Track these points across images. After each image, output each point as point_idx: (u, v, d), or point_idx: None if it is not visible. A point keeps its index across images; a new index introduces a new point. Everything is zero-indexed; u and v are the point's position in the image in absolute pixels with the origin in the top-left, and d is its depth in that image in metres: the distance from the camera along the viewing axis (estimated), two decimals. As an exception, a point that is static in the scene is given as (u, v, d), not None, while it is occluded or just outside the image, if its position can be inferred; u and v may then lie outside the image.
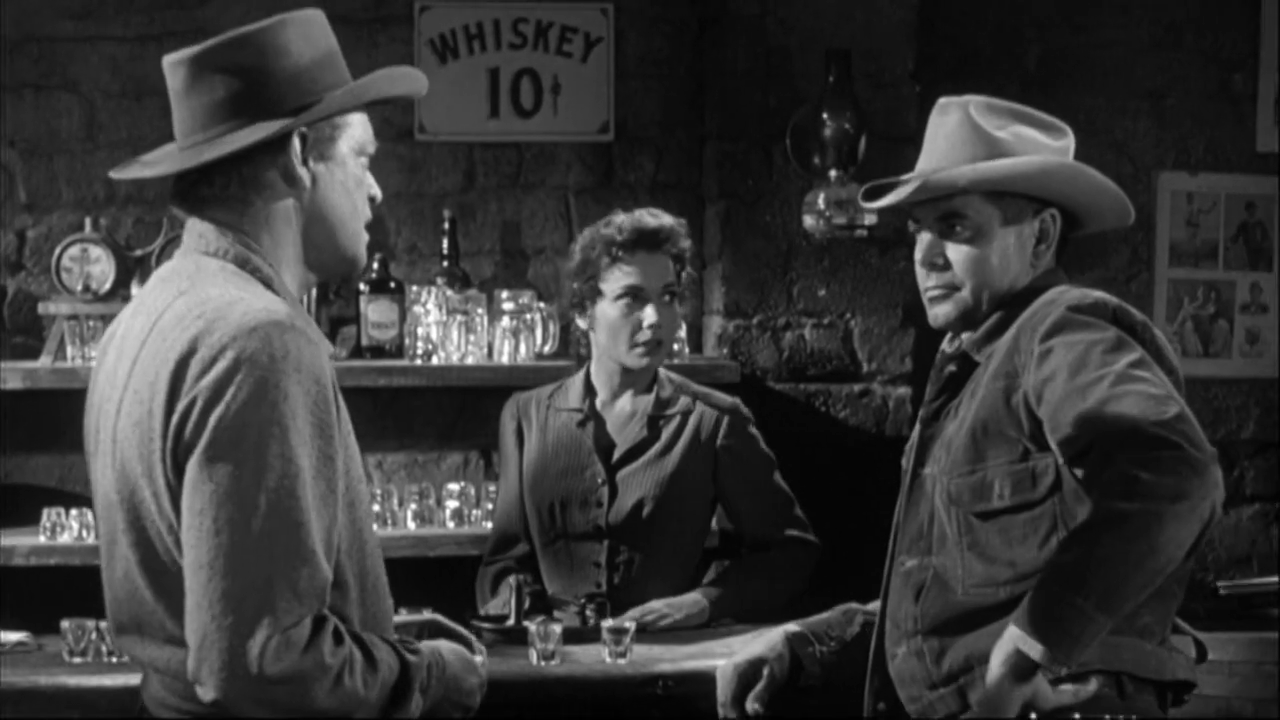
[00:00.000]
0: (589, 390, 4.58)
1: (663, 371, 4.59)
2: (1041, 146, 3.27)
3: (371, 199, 2.94)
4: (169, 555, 2.66)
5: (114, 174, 2.91)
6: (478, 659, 3.06)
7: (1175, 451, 2.83)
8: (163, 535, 2.66)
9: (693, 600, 4.37)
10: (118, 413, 2.72)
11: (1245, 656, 5.12)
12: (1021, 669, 2.86)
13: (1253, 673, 5.11)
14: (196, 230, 2.81)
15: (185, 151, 2.80)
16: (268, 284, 2.77)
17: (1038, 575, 2.94)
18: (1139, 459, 2.84)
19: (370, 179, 2.93)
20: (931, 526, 3.22)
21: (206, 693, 2.58)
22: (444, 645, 2.96)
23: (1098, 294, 3.15)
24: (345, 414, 2.77)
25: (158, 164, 2.85)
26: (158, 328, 2.70)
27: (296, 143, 2.79)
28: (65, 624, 3.86)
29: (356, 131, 2.88)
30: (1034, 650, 2.85)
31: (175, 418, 2.61)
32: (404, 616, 3.13)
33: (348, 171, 2.87)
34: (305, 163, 2.81)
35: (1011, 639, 2.87)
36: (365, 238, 2.93)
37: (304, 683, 2.58)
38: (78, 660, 3.81)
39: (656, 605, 4.33)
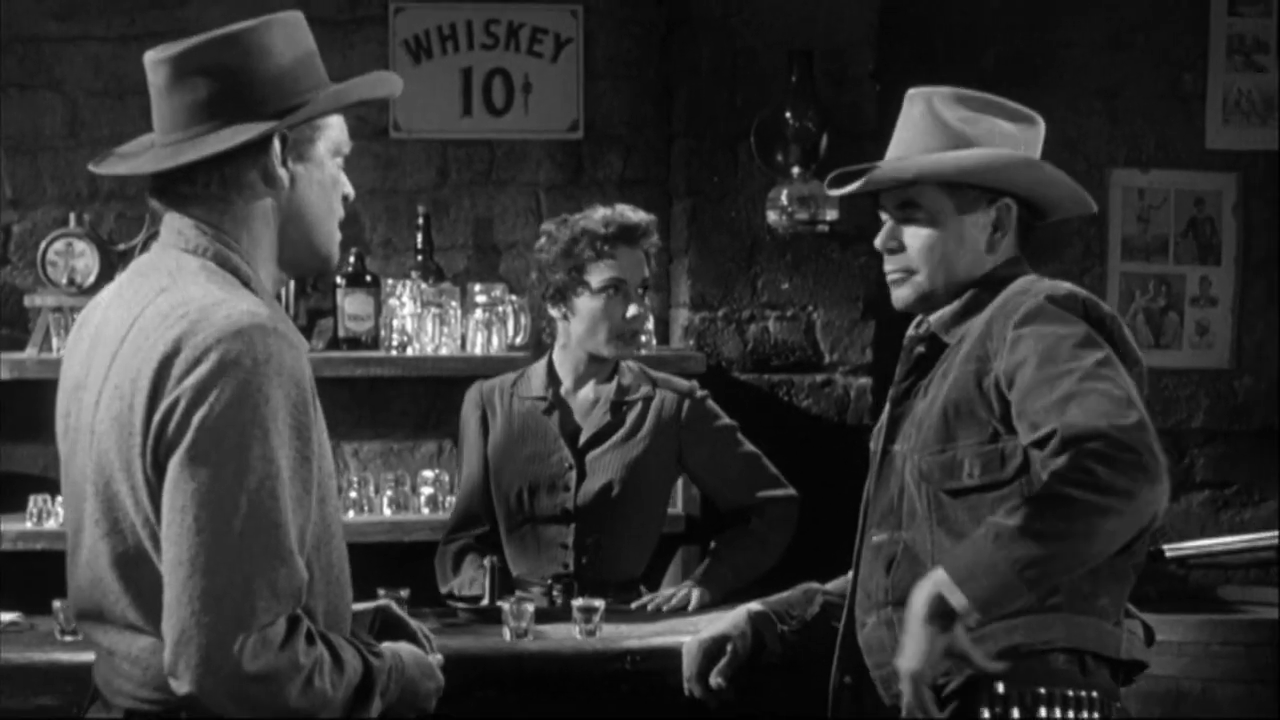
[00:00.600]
0: (552, 378, 4.62)
1: (623, 361, 4.65)
2: (1004, 136, 3.31)
3: (345, 198, 2.94)
4: (140, 548, 2.67)
5: (93, 168, 2.91)
6: (434, 659, 3.09)
7: (1134, 456, 2.89)
8: (137, 529, 2.66)
9: (688, 587, 4.43)
10: (96, 405, 2.72)
11: (1194, 637, 5.19)
12: (940, 614, 2.93)
13: (1201, 653, 5.17)
14: (175, 226, 2.80)
15: (166, 149, 2.79)
16: (246, 283, 2.78)
17: None
18: (1098, 454, 2.89)
19: (344, 178, 2.93)
20: (901, 502, 3.26)
21: (182, 686, 2.59)
22: (405, 649, 2.97)
23: (1068, 286, 3.19)
24: (320, 413, 2.77)
25: (136, 157, 2.85)
26: (139, 324, 2.70)
27: (277, 144, 2.79)
28: (57, 604, 3.89)
29: (334, 133, 2.89)
30: (954, 598, 2.89)
31: (157, 416, 2.61)
32: (358, 605, 3.07)
33: (325, 172, 2.87)
34: (285, 163, 2.81)
35: (936, 583, 2.93)
36: (339, 236, 2.93)
37: (278, 681, 2.60)
38: (69, 639, 3.84)
39: (665, 593, 4.41)
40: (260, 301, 2.73)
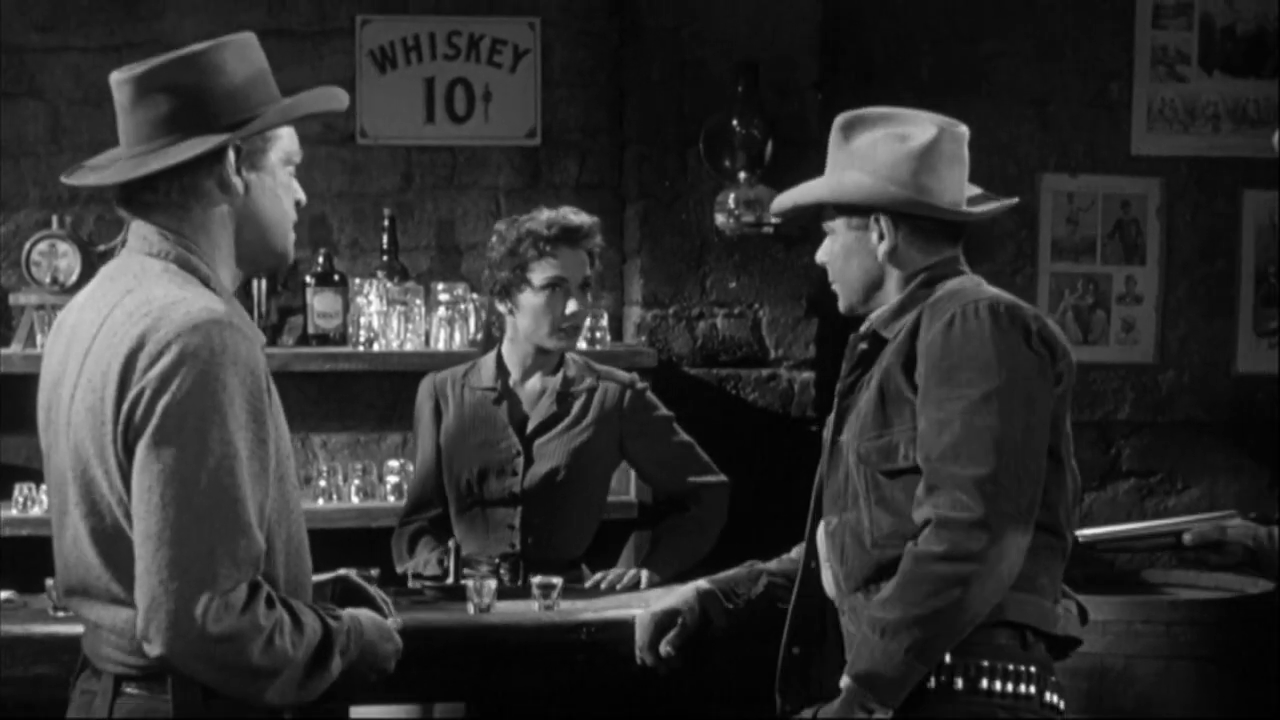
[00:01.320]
0: (501, 370, 4.69)
1: (568, 353, 4.72)
2: (889, 149, 3.39)
3: (297, 202, 3.05)
4: (117, 527, 2.79)
5: (65, 180, 3.02)
6: (392, 623, 3.22)
7: (983, 514, 3.09)
8: (112, 508, 2.79)
9: (637, 570, 4.51)
10: (72, 399, 2.83)
11: (1117, 616, 5.25)
12: (862, 708, 3.15)
13: (1124, 631, 5.23)
14: (140, 233, 2.92)
15: (130, 161, 2.91)
16: (205, 282, 2.89)
17: None
18: (950, 522, 3.12)
19: (296, 184, 3.05)
20: (847, 487, 3.36)
21: (153, 649, 2.71)
22: (363, 614, 3.07)
23: (992, 296, 3.28)
24: (276, 398, 2.89)
25: (104, 169, 2.95)
26: (108, 323, 2.82)
27: (231, 155, 2.90)
28: (49, 582, 3.89)
29: (285, 143, 3.00)
30: (868, 700, 3.14)
31: (126, 405, 2.73)
32: (318, 576, 3.20)
33: (277, 179, 2.98)
34: (239, 172, 2.92)
35: (848, 691, 3.17)
36: (292, 237, 3.04)
37: (241, 641, 2.71)
38: (61, 614, 3.86)
39: (616, 572, 4.50)
40: (218, 299, 2.86)
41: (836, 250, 3.48)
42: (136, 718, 2.85)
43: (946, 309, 3.27)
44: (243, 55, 2.97)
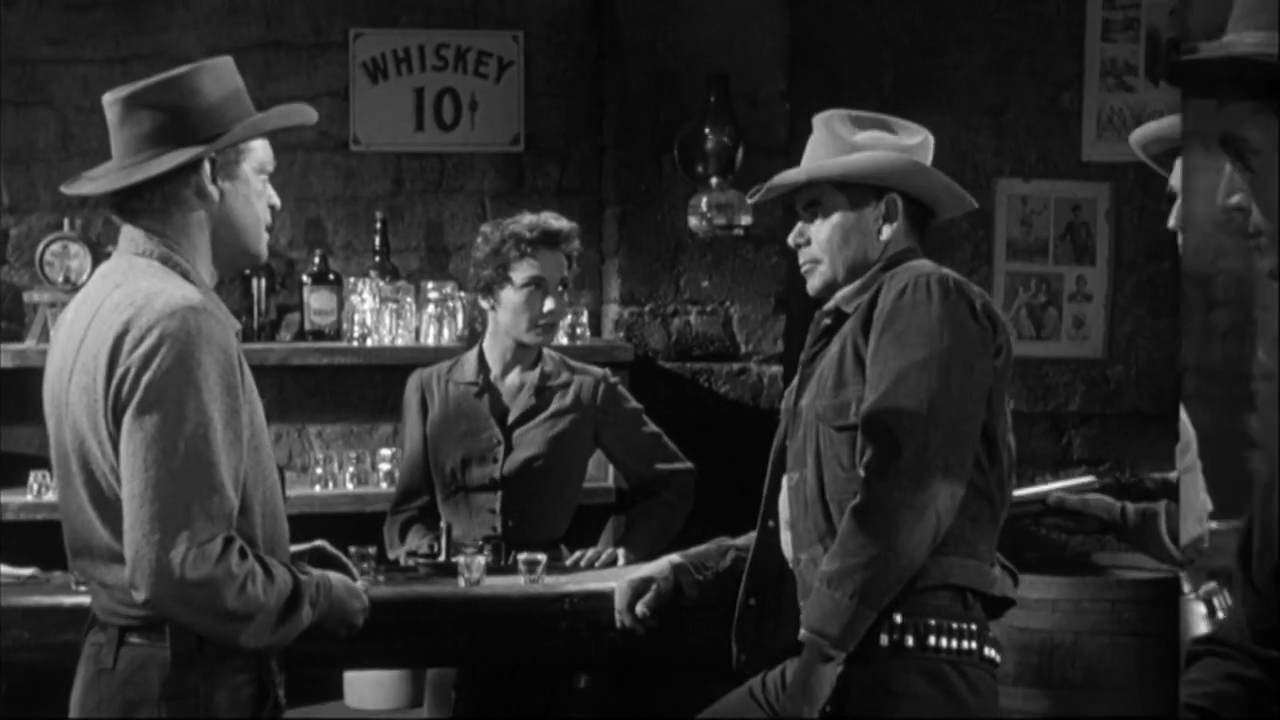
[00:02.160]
0: (482, 365, 4.82)
1: (545, 350, 4.85)
2: (888, 144, 3.55)
3: (272, 207, 3.26)
4: (112, 491, 3.01)
5: (64, 189, 3.24)
6: (360, 584, 3.40)
7: (903, 464, 3.23)
8: (106, 475, 3.01)
9: (614, 550, 4.61)
10: (69, 382, 3.06)
11: (1065, 595, 5.43)
12: (821, 656, 3.30)
13: (1072, 609, 5.40)
14: (129, 235, 3.16)
15: (119, 172, 3.13)
16: (186, 276, 3.10)
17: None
18: (874, 467, 3.26)
19: (270, 190, 3.25)
20: (806, 445, 3.49)
21: (139, 595, 2.93)
22: (332, 574, 3.28)
23: (944, 272, 3.41)
24: (250, 377, 3.10)
25: (99, 179, 3.17)
26: (99, 314, 3.05)
27: (207, 166, 3.13)
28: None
29: (258, 154, 3.22)
30: (822, 644, 3.29)
31: (114, 382, 2.96)
32: (297, 546, 3.37)
33: (250, 187, 3.19)
34: (214, 181, 3.14)
35: (805, 641, 3.31)
36: (266, 238, 3.25)
37: (216, 586, 2.92)
38: (83, 589, 3.62)
39: (594, 551, 4.62)
40: (196, 290, 3.08)
41: (833, 228, 3.58)
42: (139, 663, 3.08)
43: (901, 280, 3.43)
44: (218, 77, 3.20)
